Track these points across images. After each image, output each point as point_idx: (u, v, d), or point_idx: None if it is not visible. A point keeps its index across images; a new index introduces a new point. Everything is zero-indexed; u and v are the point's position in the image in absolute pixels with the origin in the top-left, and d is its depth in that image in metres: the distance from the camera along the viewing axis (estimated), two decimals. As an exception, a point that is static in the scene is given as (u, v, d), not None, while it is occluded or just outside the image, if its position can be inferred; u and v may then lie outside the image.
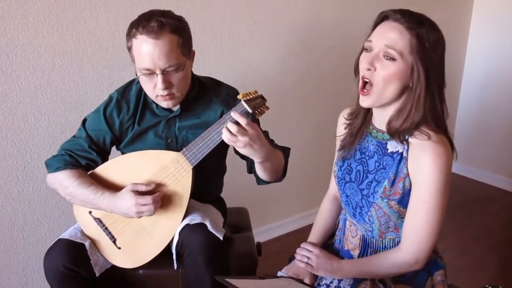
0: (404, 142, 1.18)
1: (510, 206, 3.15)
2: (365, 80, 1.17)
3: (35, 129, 1.82)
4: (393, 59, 1.12)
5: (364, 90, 1.17)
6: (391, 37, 1.12)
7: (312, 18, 2.47)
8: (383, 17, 1.18)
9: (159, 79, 1.36)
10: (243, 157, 1.52)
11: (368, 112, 1.30)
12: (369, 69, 1.15)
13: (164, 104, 1.44)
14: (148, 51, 1.33)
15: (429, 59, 1.13)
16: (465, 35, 3.40)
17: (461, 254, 2.52)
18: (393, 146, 1.21)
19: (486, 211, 3.07)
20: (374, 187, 1.23)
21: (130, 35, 1.38)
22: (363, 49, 1.20)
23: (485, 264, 2.47)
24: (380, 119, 1.25)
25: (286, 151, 1.52)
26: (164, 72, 1.36)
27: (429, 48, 1.13)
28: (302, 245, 1.37)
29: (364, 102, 1.19)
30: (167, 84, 1.38)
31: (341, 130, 1.40)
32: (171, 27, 1.35)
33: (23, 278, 1.95)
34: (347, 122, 1.35)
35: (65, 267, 1.37)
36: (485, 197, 3.28)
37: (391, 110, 1.20)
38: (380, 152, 1.24)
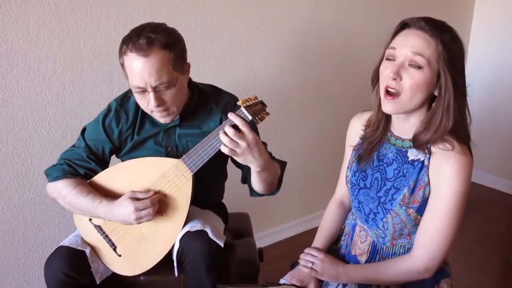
0: (426, 151, 1.17)
1: (512, 210, 3.15)
2: (389, 90, 1.14)
3: (36, 134, 1.81)
4: (419, 67, 1.10)
5: (389, 96, 1.14)
6: (417, 44, 1.10)
7: (312, 22, 2.47)
8: (403, 25, 1.15)
9: (151, 96, 1.34)
10: (239, 165, 1.51)
11: (387, 120, 1.27)
12: (394, 79, 1.11)
13: (162, 119, 1.42)
14: (138, 69, 1.30)
15: (454, 66, 1.11)
16: (466, 39, 3.40)
17: (464, 257, 2.51)
18: (414, 154, 1.20)
19: (489, 215, 3.06)
20: (393, 194, 1.22)
21: (121, 51, 1.35)
22: (383, 57, 1.17)
23: (488, 268, 2.46)
24: (401, 127, 1.23)
25: (283, 164, 1.51)
26: (155, 90, 1.33)
27: (453, 55, 1.11)
28: (306, 250, 1.36)
29: (388, 107, 1.16)
30: (159, 102, 1.35)
31: (353, 137, 1.37)
32: (161, 43, 1.31)
33: (23, 284, 1.94)
34: (365, 134, 1.31)
35: (65, 274, 1.37)
36: (488, 201, 3.26)
37: (413, 119, 1.19)
38: (400, 160, 1.22)
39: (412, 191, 1.18)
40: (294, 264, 1.44)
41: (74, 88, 1.85)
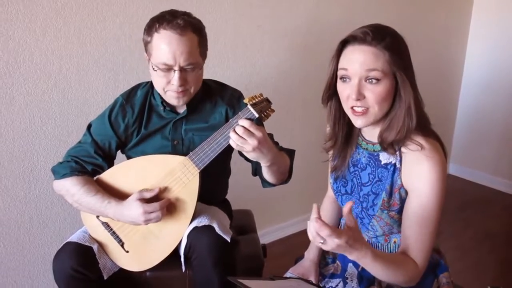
0: (397, 153, 1.17)
1: (510, 208, 3.17)
2: (356, 109, 1.14)
3: (42, 132, 1.83)
4: (377, 80, 1.10)
5: (358, 112, 1.14)
6: (367, 60, 1.10)
7: (314, 21, 2.49)
8: (344, 43, 1.15)
9: (176, 75, 1.37)
10: (248, 159, 1.53)
11: (350, 129, 1.28)
12: (358, 99, 1.12)
13: (175, 101, 1.44)
14: (171, 46, 1.35)
15: (405, 65, 1.12)
16: (464, 38, 3.43)
17: (462, 256, 2.53)
18: (385, 157, 1.20)
19: (486, 213, 3.09)
20: (373, 200, 1.22)
21: (151, 29, 1.39)
22: (333, 77, 1.19)
23: (486, 266, 2.49)
24: (371, 132, 1.23)
25: (291, 153, 1.53)
26: (181, 69, 1.37)
27: (401, 55, 1.12)
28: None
29: (360, 122, 1.16)
30: (183, 81, 1.39)
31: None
32: (194, 27, 1.39)
33: (29, 281, 1.96)
34: (328, 144, 1.34)
35: (74, 269, 1.38)
36: (485, 199, 3.29)
37: (381, 122, 1.18)
38: (373, 164, 1.23)
39: (390, 195, 1.19)
40: (298, 259, 1.47)
41: (80, 86, 1.86)
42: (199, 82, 1.46)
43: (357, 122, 1.16)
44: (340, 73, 1.16)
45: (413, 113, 1.12)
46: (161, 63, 1.37)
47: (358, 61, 1.10)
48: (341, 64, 1.15)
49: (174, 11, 1.41)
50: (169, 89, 1.41)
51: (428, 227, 1.14)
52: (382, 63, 1.10)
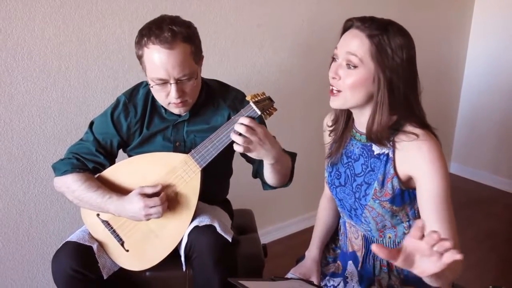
0: (389, 144, 1.17)
1: (510, 207, 3.17)
2: (332, 87, 1.18)
3: (41, 131, 1.82)
4: (354, 66, 1.12)
5: (333, 92, 1.18)
6: (352, 44, 1.13)
7: (315, 20, 2.48)
8: (348, 25, 1.18)
9: (172, 88, 1.36)
10: (249, 160, 1.52)
11: (349, 117, 1.29)
12: (334, 78, 1.16)
13: (177, 110, 1.44)
14: (162, 61, 1.32)
15: (392, 65, 1.11)
16: (466, 36, 3.42)
17: (464, 255, 2.53)
18: (378, 148, 1.21)
19: (488, 213, 3.08)
20: (365, 189, 1.23)
21: (141, 44, 1.35)
22: (333, 57, 1.21)
23: (487, 265, 2.48)
24: (360, 122, 1.25)
25: (293, 156, 1.52)
26: (177, 82, 1.35)
27: (391, 54, 1.11)
28: None
29: (333, 103, 1.20)
30: (181, 93, 1.37)
31: (326, 137, 1.43)
32: (183, 36, 1.33)
33: (27, 281, 1.95)
34: (330, 128, 1.36)
35: (73, 269, 1.37)
36: (486, 199, 3.29)
37: (367, 113, 1.19)
38: (366, 155, 1.24)
39: (382, 184, 1.19)
40: (299, 259, 1.46)
41: (79, 85, 1.85)
42: (197, 90, 1.45)
43: (332, 103, 1.20)
44: (334, 52, 1.19)
45: (384, 113, 1.13)
46: (156, 78, 1.35)
47: (346, 43, 1.14)
48: (337, 44, 1.19)
49: (161, 20, 1.36)
50: (169, 101, 1.40)
51: (445, 210, 1.12)
52: (364, 51, 1.11)
